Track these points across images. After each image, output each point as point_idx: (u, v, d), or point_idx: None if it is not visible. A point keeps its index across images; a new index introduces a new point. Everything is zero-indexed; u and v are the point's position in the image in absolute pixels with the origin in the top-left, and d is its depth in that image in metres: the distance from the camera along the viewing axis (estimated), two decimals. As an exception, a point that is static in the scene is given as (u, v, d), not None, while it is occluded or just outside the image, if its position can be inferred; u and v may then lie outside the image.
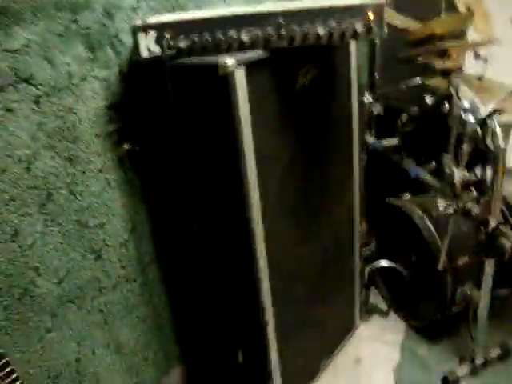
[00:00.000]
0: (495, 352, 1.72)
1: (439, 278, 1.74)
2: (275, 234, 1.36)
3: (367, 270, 2.01)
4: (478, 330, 1.66)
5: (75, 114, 1.27)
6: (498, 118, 1.45)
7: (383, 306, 2.10)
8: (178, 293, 1.66)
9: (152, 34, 1.18)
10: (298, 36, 1.17)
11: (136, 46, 1.20)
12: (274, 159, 1.33)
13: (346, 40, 1.20)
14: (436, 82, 1.91)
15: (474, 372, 1.69)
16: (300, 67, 1.34)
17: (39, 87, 1.17)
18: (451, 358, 1.81)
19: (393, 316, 2.06)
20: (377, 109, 2.06)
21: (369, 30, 1.18)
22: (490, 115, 1.51)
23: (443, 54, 1.60)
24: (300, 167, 1.44)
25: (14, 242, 1.17)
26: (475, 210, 1.56)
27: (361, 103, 1.67)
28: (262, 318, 1.41)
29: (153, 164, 1.46)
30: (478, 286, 1.69)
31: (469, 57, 2.01)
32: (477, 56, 1.95)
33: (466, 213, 1.59)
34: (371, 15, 1.17)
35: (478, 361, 1.69)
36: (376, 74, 2.13)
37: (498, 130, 1.48)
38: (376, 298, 2.13)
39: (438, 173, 1.87)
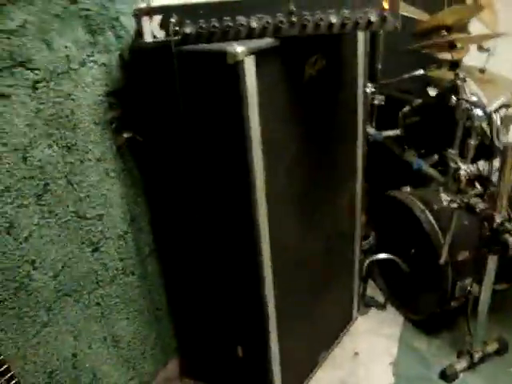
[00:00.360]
0: (493, 346, 1.73)
1: (439, 271, 1.73)
2: (279, 223, 1.33)
3: (366, 262, 1.99)
4: (477, 324, 1.66)
5: (73, 100, 1.21)
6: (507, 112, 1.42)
7: (381, 298, 2.09)
8: (177, 285, 1.63)
9: (157, 18, 1.12)
10: (309, 24, 1.12)
11: (139, 31, 1.14)
12: (281, 149, 1.29)
13: (360, 30, 1.15)
14: (440, 73, 1.88)
15: (472, 366, 1.69)
16: (308, 57, 1.30)
17: (36, 72, 1.11)
18: (449, 351, 1.81)
19: (390, 309, 2.05)
20: (378, 99, 2.03)
21: (383, 20, 1.13)
22: (497, 110, 1.49)
23: (452, 45, 1.56)
24: (306, 157, 1.41)
25: (9, 234, 1.12)
26: (479, 205, 1.54)
27: (365, 94, 1.63)
28: (263, 311, 1.39)
29: (153, 153, 1.41)
30: (478, 280, 1.68)
31: (471, 49, 1.99)
32: (481, 48, 1.92)
33: (470, 208, 1.58)
34: (386, 4, 1.12)
35: (476, 355, 1.69)
36: (378, 63, 2.09)
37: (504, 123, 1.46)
38: (373, 291, 2.12)
39: (440, 166, 1.86)
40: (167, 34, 1.12)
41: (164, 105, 1.30)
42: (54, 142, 1.18)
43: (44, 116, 1.14)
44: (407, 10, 1.57)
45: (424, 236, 1.77)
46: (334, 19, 1.12)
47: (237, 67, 1.08)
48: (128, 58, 1.29)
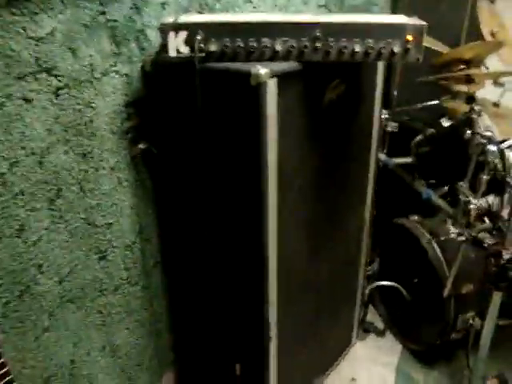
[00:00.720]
0: (492, 382, 1.71)
1: (442, 303, 1.72)
2: (287, 246, 1.33)
3: (369, 288, 1.98)
4: (477, 359, 1.64)
5: (93, 108, 1.22)
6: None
7: (380, 324, 2.07)
8: (179, 299, 1.62)
9: (182, 33, 1.13)
10: (333, 51, 1.13)
11: (164, 45, 1.15)
12: (295, 171, 1.29)
13: (382, 60, 1.16)
14: (455, 104, 1.88)
15: (469, 402, 1.68)
16: (329, 82, 1.31)
17: (59, 78, 1.12)
18: (446, 384, 1.79)
19: (389, 336, 2.04)
20: (391, 126, 2.03)
21: (406, 51, 1.15)
22: (510, 146, 1.50)
23: (469, 79, 1.57)
24: (318, 181, 1.41)
25: (18, 237, 1.12)
26: (487, 240, 1.54)
27: (379, 120, 1.64)
28: (265, 332, 1.38)
29: (167, 166, 1.41)
30: (480, 314, 1.67)
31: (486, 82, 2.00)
32: (496, 83, 1.94)
33: (477, 242, 1.57)
34: (410, 37, 1.13)
35: (475, 391, 1.67)
36: (394, 90, 2.10)
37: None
38: (373, 317, 2.11)
39: (450, 197, 1.86)
40: (192, 51, 1.12)
41: (182, 119, 1.30)
42: (70, 148, 1.19)
43: (63, 122, 1.15)
44: (430, 42, 1.58)
45: (429, 266, 1.76)
46: (357, 48, 1.13)
47: (259, 88, 1.08)
48: (150, 70, 1.30)
